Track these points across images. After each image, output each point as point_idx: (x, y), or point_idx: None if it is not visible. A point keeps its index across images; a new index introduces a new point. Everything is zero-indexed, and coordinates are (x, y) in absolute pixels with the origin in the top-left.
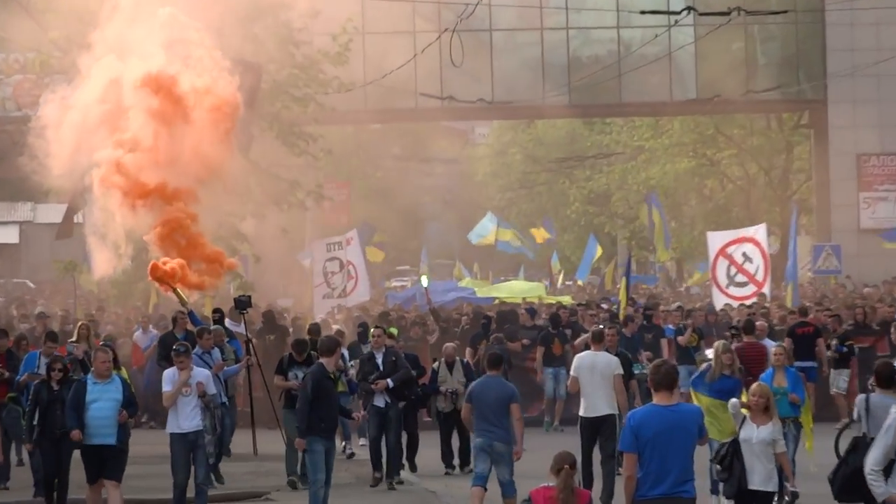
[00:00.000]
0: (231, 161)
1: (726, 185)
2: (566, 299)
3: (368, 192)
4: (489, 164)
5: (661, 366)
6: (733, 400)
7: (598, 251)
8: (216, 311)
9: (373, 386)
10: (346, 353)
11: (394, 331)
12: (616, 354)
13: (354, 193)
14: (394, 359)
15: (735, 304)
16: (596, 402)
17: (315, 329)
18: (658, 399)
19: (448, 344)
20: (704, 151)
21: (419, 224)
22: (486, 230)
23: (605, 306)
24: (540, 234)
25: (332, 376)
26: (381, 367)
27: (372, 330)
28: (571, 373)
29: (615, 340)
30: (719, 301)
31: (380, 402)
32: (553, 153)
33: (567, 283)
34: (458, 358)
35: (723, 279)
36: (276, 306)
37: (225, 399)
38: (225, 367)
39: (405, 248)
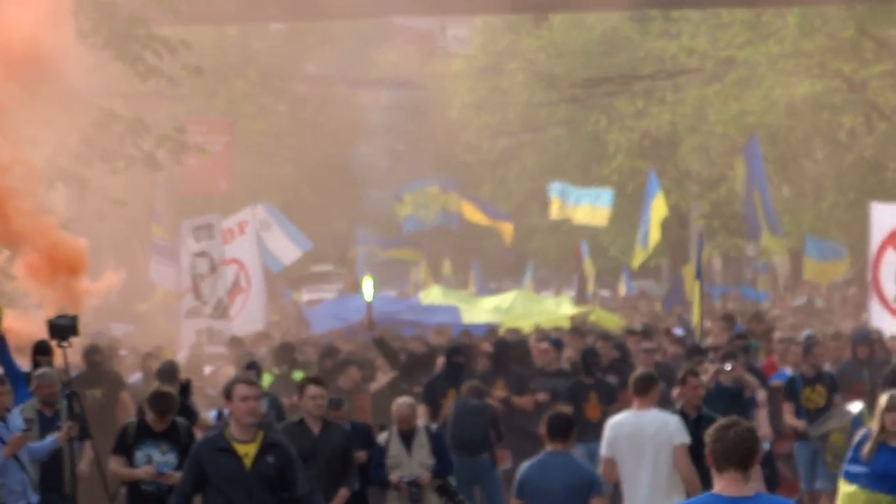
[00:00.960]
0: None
1: (877, 125)
2: (612, 321)
3: (265, 137)
4: (471, 88)
5: (728, 428)
6: None
7: (654, 234)
8: (38, 345)
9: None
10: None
11: (298, 375)
12: (698, 416)
13: (241, 141)
14: (340, 442)
15: None
16: (645, 494)
17: (167, 371)
18: (721, 485)
19: (401, 400)
20: (839, 67)
21: (352, 191)
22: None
23: (679, 332)
24: (556, 208)
25: (230, 448)
26: (315, 454)
27: (307, 384)
28: (603, 451)
29: (698, 393)
30: (883, 322)
31: None
32: (579, 71)
33: (602, 292)
34: (421, 424)
35: (890, 287)
36: (104, 336)
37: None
38: (30, 444)
39: (328, 233)
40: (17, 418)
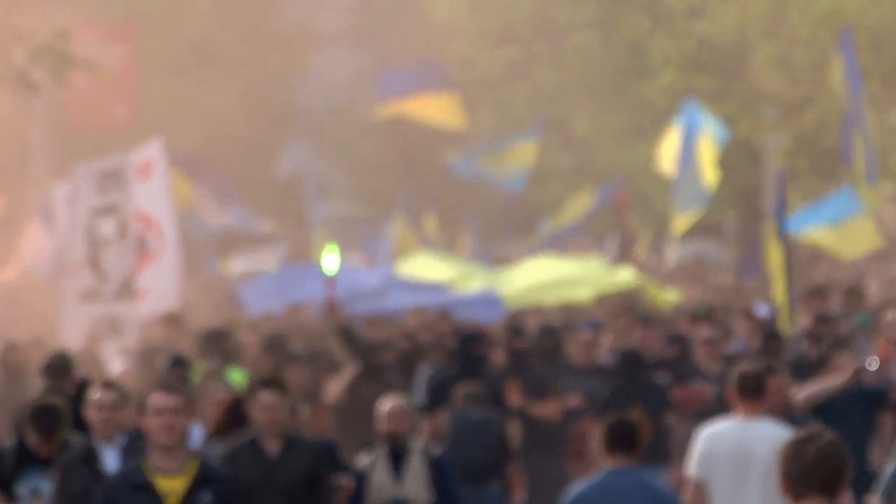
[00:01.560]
0: None
1: None
2: (669, 297)
3: (180, 49)
4: None
5: (806, 442)
6: None
7: (706, 182)
8: None
9: None
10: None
11: (235, 374)
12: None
13: (147, 54)
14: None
15: None
16: None
17: (56, 366)
18: None
19: (391, 402)
20: None
21: (302, 121)
22: None
23: (764, 311)
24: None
25: (148, 484)
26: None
27: (258, 388)
28: (692, 471)
29: (781, 398)
30: None
31: None
32: None
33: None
34: (417, 446)
35: None
36: None
37: None
38: None
39: (268, 179)
40: None
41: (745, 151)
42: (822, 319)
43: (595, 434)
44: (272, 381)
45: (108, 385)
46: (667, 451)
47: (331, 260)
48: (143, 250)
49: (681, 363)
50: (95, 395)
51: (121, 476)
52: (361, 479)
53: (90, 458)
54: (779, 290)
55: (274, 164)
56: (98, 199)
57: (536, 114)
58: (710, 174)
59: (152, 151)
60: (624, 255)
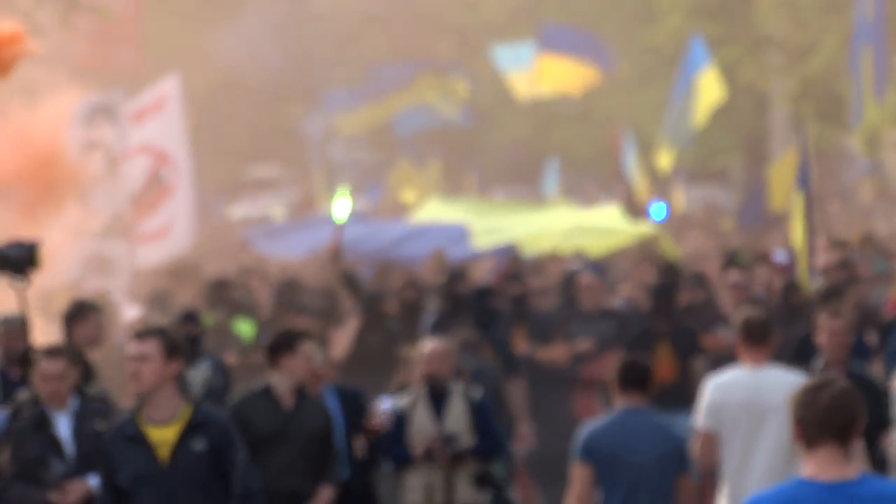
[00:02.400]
0: None
1: None
2: (671, 245)
3: None
4: None
5: (820, 389)
6: None
7: (698, 119)
8: None
9: None
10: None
11: (243, 326)
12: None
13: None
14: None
15: None
16: (758, 482)
17: (79, 310)
18: (815, 467)
19: (433, 343)
20: None
21: (309, 66)
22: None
23: (783, 258)
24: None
25: (139, 434)
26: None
27: (299, 339)
28: (700, 422)
29: (843, 342)
30: None
31: None
32: None
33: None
34: (458, 387)
35: None
36: None
37: None
38: None
39: (274, 121)
40: None
41: (751, 97)
42: (843, 265)
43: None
44: (306, 333)
45: (53, 352)
46: (692, 394)
47: (341, 206)
48: (159, 185)
49: (706, 308)
50: (41, 364)
51: (116, 428)
52: (401, 420)
53: (42, 424)
54: (797, 235)
55: (281, 111)
56: (86, 135)
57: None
58: (701, 114)
59: (168, 86)
60: (628, 204)
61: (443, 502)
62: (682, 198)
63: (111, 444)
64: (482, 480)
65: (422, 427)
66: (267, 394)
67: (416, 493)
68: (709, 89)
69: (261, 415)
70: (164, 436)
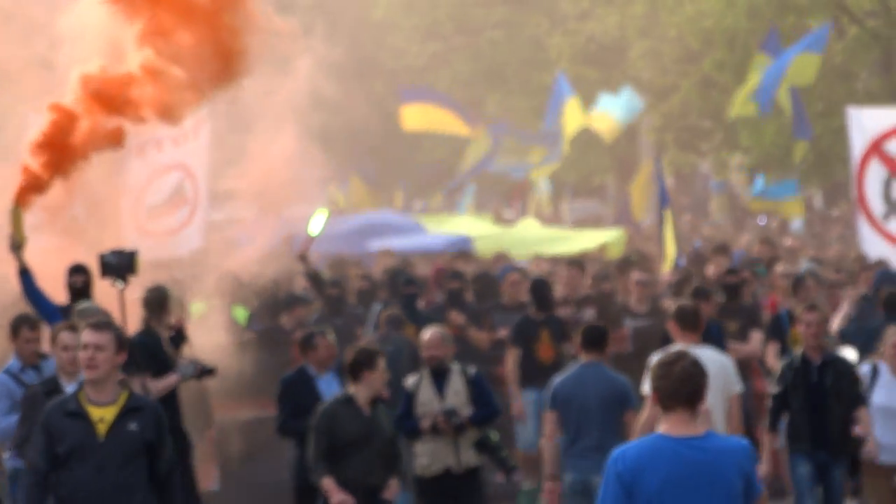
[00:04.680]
0: None
1: (847, 29)
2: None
3: None
4: None
5: (673, 363)
6: None
7: (564, 146)
8: (74, 267)
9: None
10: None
11: (240, 313)
12: (824, 361)
13: None
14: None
15: None
16: None
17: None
18: (669, 425)
19: (431, 330)
20: None
21: None
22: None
23: (680, 262)
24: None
25: (81, 411)
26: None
27: (375, 357)
28: (648, 387)
29: (820, 331)
30: (871, 245)
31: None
32: None
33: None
34: (456, 365)
35: (877, 203)
36: None
37: None
38: None
39: None
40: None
41: (623, 127)
42: (730, 272)
43: (512, 357)
44: (374, 353)
45: (73, 327)
46: None
47: (318, 221)
48: (180, 194)
49: (608, 301)
50: (62, 335)
51: (58, 403)
52: (409, 397)
53: (54, 391)
54: (668, 243)
55: None
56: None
57: (456, 96)
58: (567, 136)
59: (202, 114)
60: (529, 211)
61: (451, 465)
62: (567, 208)
63: (53, 416)
64: (481, 445)
65: (426, 403)
66: (350, 403)
67: (425, 458)
68: (573, 116)
69: (347, 421)
70: (102, 414)
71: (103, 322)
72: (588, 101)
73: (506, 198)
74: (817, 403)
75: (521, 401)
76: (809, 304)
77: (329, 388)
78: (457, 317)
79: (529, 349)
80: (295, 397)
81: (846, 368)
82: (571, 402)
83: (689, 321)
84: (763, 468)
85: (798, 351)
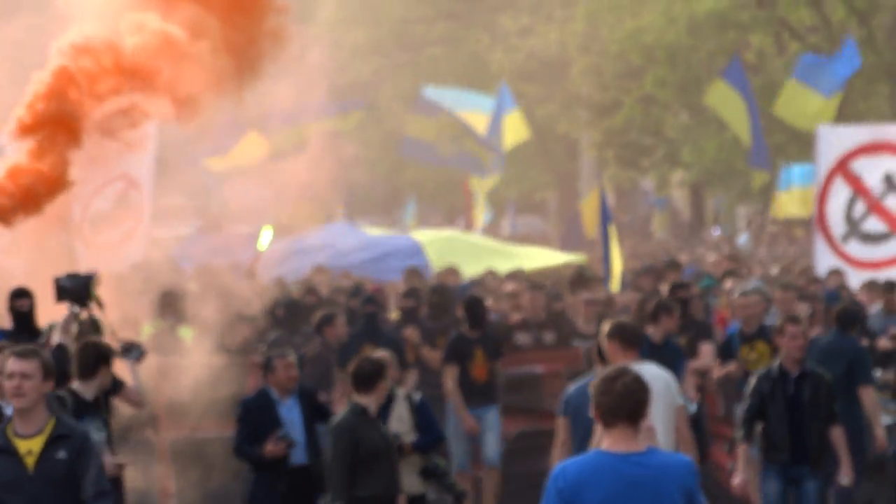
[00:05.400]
0: None
1: (788, 45)
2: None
3: None
4: (339, 2)
5: (615, 379)
6: None
7: (506, 142)
8: (20, 295)
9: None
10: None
11: (186, 333)
12: (802, 373)
13: None
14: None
15: (860, 274)
16: None
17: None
18: (610, 441)
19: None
20: None
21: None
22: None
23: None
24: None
25: (9, 446)
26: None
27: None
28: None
29: (799, 344)
30: (824, 263)
31: None
32: None
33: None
34: (401, 391)
35: (837, 224)
36: None
37: None
38: None
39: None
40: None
41: (564, 144)
42: (677, 286)
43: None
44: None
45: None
46: (498, 391)
47: (265, 236)
48: (124, 205)
49: (563, 321)
50: (7, 362)
51: None
52: None
53: None
54: (615, 260)
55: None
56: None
57: (397, 111)
58: (508, 145)
59: (149, 127)
60: (469, 226)
61: (393, 492)
62: (507, 224)
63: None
64: (427, 472)
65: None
66: (364, 414)
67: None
68: (514, 128)
69: (368, 433)
70: (30, 446)
71: (29, 350)
72: (529, 117)
73: (448, 215)
74: (795, 415)
75: (459, 416)
76: (791, 316)
77: (290, 413)
78: (412, 334)
79: (464, 368)
80: (254, 422)
81: (822, 382)
82: (579, 412)
83: (631, 338)
84: (739, 478)
85: (774, 363)
